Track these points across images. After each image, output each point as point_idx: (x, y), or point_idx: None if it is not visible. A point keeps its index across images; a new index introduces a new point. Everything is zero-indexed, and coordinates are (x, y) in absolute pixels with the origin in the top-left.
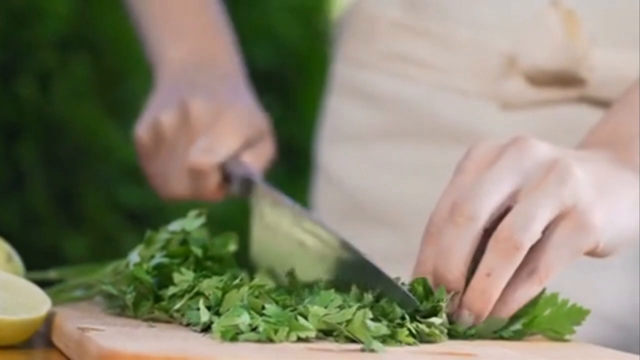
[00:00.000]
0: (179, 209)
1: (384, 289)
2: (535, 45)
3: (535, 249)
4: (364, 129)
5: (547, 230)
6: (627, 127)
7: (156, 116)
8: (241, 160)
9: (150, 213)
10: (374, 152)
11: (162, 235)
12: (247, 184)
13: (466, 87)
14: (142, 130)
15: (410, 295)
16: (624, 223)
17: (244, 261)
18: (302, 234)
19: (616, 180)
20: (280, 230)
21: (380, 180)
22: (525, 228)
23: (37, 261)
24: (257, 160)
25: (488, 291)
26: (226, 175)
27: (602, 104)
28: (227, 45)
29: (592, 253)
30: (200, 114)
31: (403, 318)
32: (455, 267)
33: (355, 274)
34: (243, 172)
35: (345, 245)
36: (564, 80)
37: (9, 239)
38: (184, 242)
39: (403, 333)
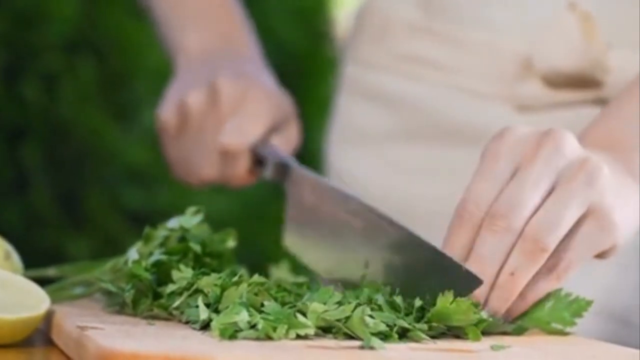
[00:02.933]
0: (184, 210)
1: (440, 266)
2: (553, 47)
3: (559, 249)
4: (376, 130)
5: (572, 227)
6: (626, 133)
7: (182, 97)
8: (271, 144)
9: (154, 215)
10: (387, 153)
11: (161, 232)
12: (282, 168)
13: (481, 88)
14: (166, 112)
15: (472, 271)
16: (630, 226)
17: (243, 258)
18: (347, 215)
19: (622, 184)
20: (322, 213)
21: (393, 181)
22: (552, 230)
23: (40, 262)
24: (286, 144)
25: (509, 290)
26: (256, 158)
27: None
28: (244, 29)
29: (602, 253)
30: (229, 93)
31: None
32: (489, 275)
33: (407, 253)
34: (277, 156)
35: (395, 225)
36: (580, 83)
37: (13, 239)
38: (183, 239)
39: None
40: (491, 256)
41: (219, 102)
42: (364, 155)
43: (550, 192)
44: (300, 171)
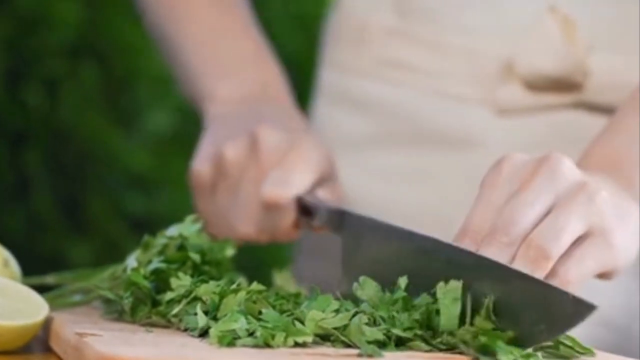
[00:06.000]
0: (185, 216)
1: (540, 296)
2: (534, 50)
3: (561, 261)
4: (356, 135)
5: (574, 244)
6: (626, 154)
7: (219, 149)
8: (318, 195)
9: (155, 220)
10: (366, 159)
11: (160, 240)
12: (338, 215)
13: (461, 93)
14: (200, 165)
15: (582, 298)
16: (630, 248)
17: (242, 266)
18: (416, 254)
19: (622, 206)
20: (389, 258)
21: (373, 187)
22: (556, 238)
23: (42, 268)
24: (332, 197)
25: None
26: (303, 210)
27: (599, 109)
28: (279, 77)
29: (604, 274)
30: (271, 145)
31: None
32: None
33: (497, 285)
34: (328, 204)
35: (474, 255)
36: (561, 86)
37: (14, 245)
38: (182, 247)
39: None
40: None
41: (260, 152)
42: (343, 160)
43: (549, 211)
44: (358, 218)
